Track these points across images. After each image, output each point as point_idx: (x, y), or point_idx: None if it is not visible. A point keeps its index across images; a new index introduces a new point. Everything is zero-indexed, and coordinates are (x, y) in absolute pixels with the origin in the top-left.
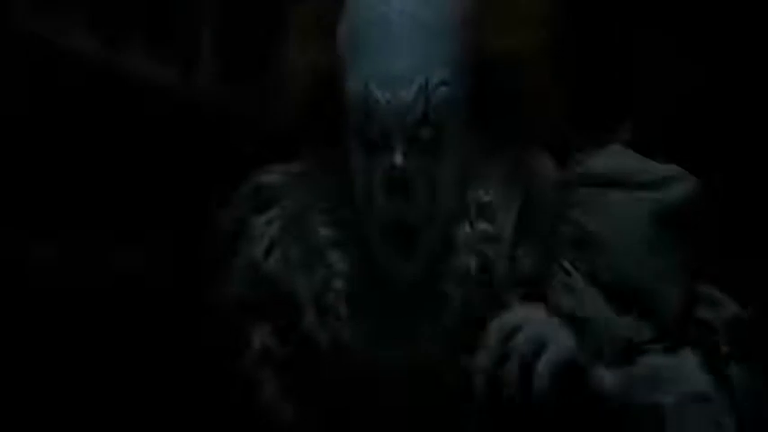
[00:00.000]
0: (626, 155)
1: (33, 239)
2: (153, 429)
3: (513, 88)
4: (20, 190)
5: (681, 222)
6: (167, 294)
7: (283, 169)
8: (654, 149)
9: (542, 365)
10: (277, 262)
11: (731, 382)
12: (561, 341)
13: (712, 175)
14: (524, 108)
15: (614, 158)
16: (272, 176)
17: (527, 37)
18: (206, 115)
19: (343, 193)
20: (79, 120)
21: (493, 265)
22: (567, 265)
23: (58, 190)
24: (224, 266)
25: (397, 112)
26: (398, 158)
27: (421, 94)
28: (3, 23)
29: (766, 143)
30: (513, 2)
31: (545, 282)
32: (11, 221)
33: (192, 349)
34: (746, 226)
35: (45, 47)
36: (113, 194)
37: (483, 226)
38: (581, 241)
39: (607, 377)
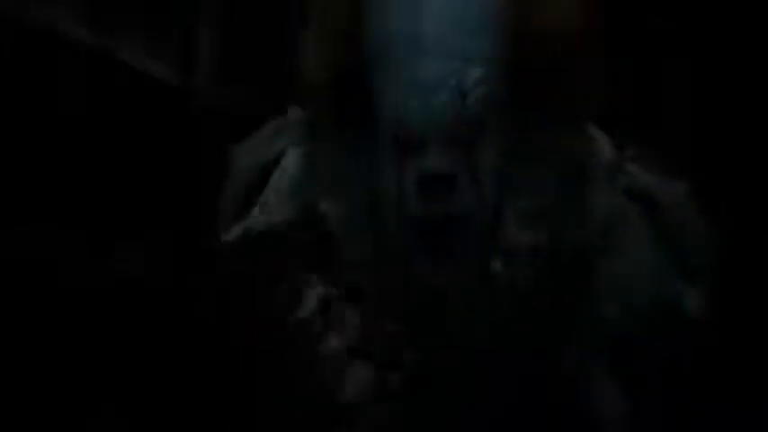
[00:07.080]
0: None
1: (32, 238)
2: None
3: (555, 66)
4: (18, 188)
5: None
6: (167, 294)
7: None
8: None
9: None
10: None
11: None
12: None
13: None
14: (567, 85)
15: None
16: (294, 116)
17: (568, 16)
18: (205, 112)
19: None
20: (77, 115)
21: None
22: None
23: (57, 189)
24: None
25: (431, 115)
26: (434, 161)
27: (455, 95)
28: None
29: None
30: None
31: None
32: (9, 220)
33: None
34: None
35: (41, 39)
36: (112, 193)
37: (526, 234)
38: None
39: None
